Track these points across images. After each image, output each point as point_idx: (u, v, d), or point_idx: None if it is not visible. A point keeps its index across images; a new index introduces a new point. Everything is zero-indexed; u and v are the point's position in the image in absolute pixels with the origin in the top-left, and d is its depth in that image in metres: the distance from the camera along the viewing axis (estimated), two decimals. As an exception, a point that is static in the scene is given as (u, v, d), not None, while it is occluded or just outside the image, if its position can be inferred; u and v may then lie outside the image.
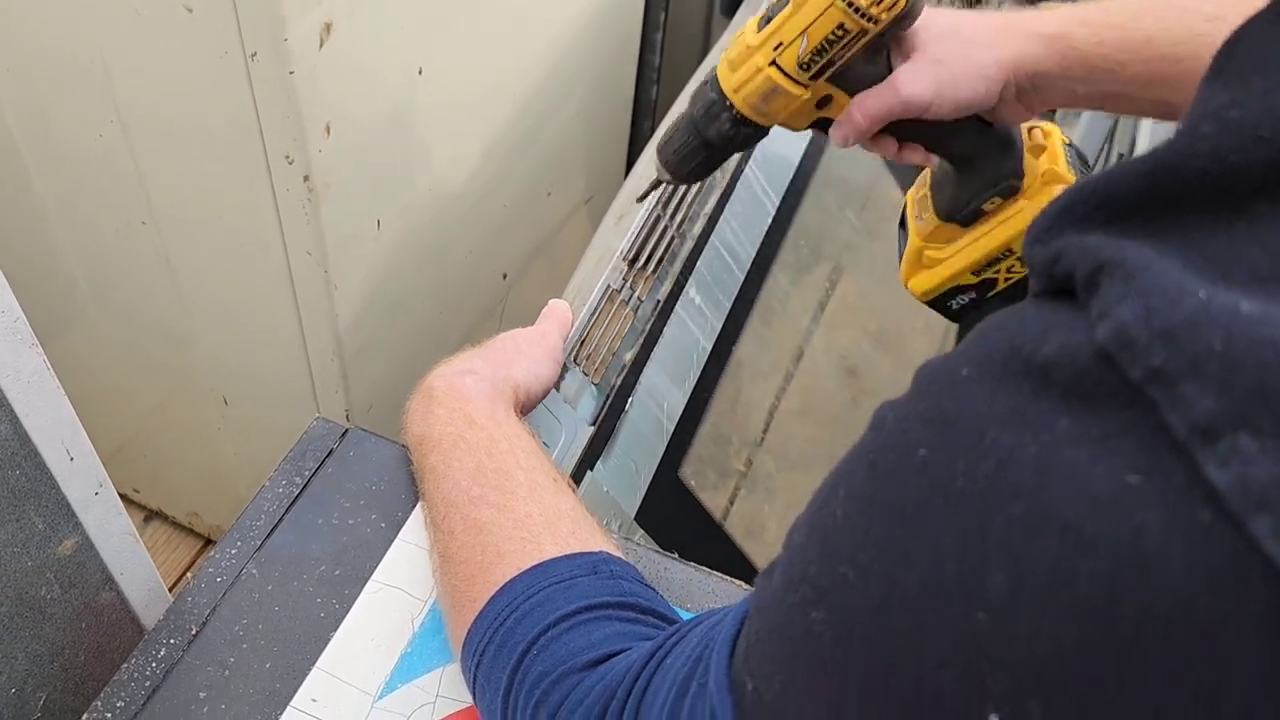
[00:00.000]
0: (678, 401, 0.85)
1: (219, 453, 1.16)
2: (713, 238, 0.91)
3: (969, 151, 0.61)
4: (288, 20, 0.70)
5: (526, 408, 0.68)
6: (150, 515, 1.34)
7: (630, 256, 0.81)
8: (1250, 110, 0.23)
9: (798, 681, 0.30)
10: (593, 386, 0.78)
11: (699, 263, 0.90)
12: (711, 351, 0.89)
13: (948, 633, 0.24)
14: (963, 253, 0.63)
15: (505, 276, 1.26)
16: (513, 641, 0.47)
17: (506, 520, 0.53)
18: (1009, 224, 0.61)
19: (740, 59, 0.58)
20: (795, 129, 0.60)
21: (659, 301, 0.85)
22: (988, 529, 0.23)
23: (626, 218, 0.83)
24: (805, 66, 0.56)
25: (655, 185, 0.67)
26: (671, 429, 0.83)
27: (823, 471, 0.33)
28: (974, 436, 0.25)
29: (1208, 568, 0.20)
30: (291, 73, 0.72)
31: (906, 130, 0.59)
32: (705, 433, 0.87)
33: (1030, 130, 0.64)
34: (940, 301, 0.66)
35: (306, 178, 0.79)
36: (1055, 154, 0.61)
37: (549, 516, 0.53)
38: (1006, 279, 0.62)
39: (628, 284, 0.82)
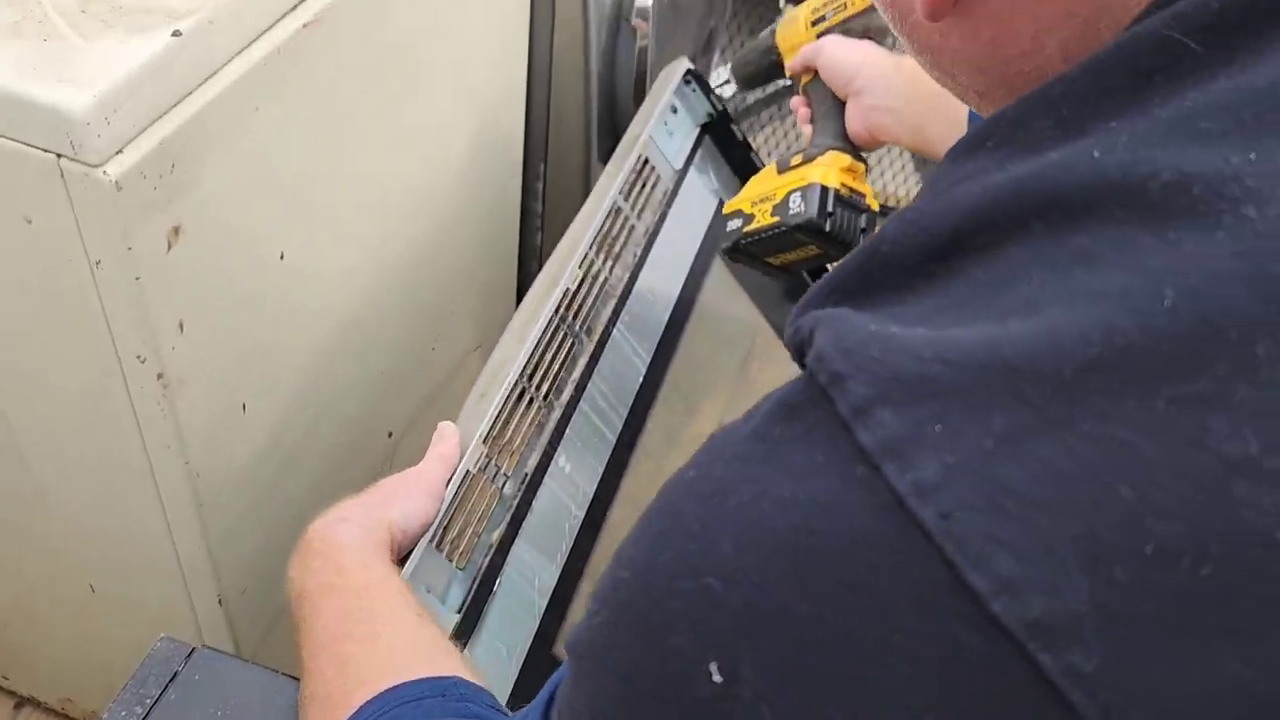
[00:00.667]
0: (550, 576, 0.84)
1: (90, 637, 1.11)
2: (582, 404, 0.92)
3: (827, 121, 0.90)
4: (130, 230, 0.70)
5: (404, 547, 0.71)
6: (21, 702, 1.28)
7: (490, 436, 0.82)
8: (920, 211, 0.32)
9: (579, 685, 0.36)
10: (458, 572, 0.77)
11: (568, 429, 0.90)
12: (584, 519, 0.89)
13: (686, 598, 0.31)
14: (759, 185, 0.89)
15: (390, 435, 1.25)
16: None
17: (370, 652, 0.57)
18: (789, 178, 0.85)
19: (790, 21, 0.95)
20: (785, 66, 0.97)
21: (526, 475, 0.85)
22: (719, 509, 0.31)
23: (487, 397, 0.83)
24: (814, 22, 0.91)
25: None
26: (544, 605, 0.83)
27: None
28: (718, 452, 0.33)
29: (866, 507, 0.28)
30: (138, 279, 0.72)
31: (815, 89, 0.91)
32: (579, 603, 0.86)
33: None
34: (725, 220, 0.92)
35: (160, 375, 0.78)
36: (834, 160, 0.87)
37: (411, 646, 0.58)
38: (759, 221, 0.87)
39: (491, 461, 0.82)
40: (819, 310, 0.33)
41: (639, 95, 1.38)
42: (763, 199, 0.89)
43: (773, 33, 0.98)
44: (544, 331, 0.88)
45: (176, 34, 0.69)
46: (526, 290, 1.54)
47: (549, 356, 0.89)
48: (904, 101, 0.84)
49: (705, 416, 1.11)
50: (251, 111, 0.77)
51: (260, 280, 0.87)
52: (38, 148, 0.66)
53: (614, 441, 0.95)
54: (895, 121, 0.84)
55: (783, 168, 0.90)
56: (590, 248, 0.95)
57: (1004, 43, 0.36)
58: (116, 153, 0.67)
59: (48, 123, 0.65)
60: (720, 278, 1.17)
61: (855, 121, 0.87)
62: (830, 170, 0.85)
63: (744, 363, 1.19)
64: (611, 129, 1.42)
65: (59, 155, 0.66)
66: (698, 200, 1.15)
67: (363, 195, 0.99)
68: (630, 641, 0.33)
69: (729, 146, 1.18)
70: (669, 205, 1.10)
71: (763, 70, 1.00)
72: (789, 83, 1.00)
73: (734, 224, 0.92)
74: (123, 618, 1.07)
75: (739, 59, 1.04)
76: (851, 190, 0.86)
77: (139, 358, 0.77)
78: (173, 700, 0.62)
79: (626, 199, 1.03)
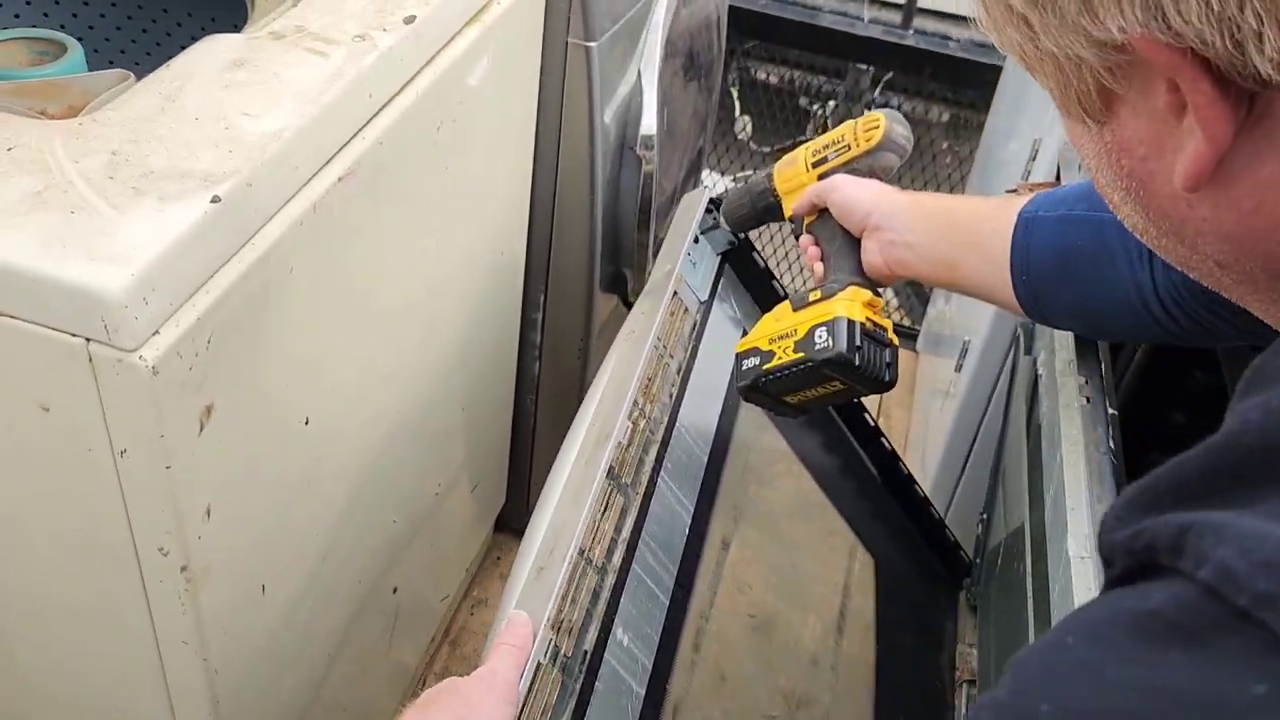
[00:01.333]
0: (618, 766, 0.76)
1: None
2: (634, 566, 0.86)
3: (840, 260, 0.88)
4: (163, 416, 0.62)
5: None
6: None
7: (556, 620, 0.74)
8: None
9: None
10: (527, 774, 0.69)
11: (623, 597, 0.83)
12: (645, 696, 0.82)
13: None
14: (777, 323, 0.86)
15: (395, 590, 1.17)
16: None
17: None
18: (810, 313, 0.84)
19: (788, 163, 0.94)
20: (784, 207, 0.95)
21: (586, 653, 0.78)
22: None
23: (547, 572, 0.76)
24: (814, 164, 0.91)
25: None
26: (615, 800, 0.75)
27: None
28: (1094, 676, 0.29)
29: None
30: (168, 467, 0.64)
31: (823, 228, 0.89)
32: (650, 795, 0.78)
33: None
34: (740, 359, 0.88)
35: (184, 567, 0.70)
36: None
37: None
38: (780, 358, 0.84)
39: (552, 643, 0.74)
40: (1167, 515, 0.30)
41: (643, 223, 1.35)
42: (782, 335, 0.87)
43: (769, 176, 0.97)
44: (597, 494, 0.82)
45: (216, 200, 0.63)
46: (523, 421, 1.48)
47: (600, 517, 0.83)
48: (931, 238, 0.83)
49: (753, 557, 1.05)
50: (287, 274, 0.71)
51: (286, 449, 0.79)
52: (64, 331, 0.59)
53: (667, 604, 0.88)
54: (918, 257, 0.83)
55: (799, 304, 0.88)
56: (638, 394, 0.90)
57: (1268, 213, 0.35)
58: (153, 334, 0.60)
59: (77, 305, 0.58)
60: (752, 414, 1.12)
61: (874, 255, 0.86)
62: (854, 304, 0.84)
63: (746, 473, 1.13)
64: (614, 257, 1.39)
65: (88, 340, 0.59)
66: (724, 332, 1.11)
67: (381, 342, 0.93)
68: None
69: (749, 275, 1.14)
70: (698, 340, 1.05)
71: (757, 213, 0.98)
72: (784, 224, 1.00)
73: (750, 362, 0.88)
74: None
75: (731, 202, 1.02)
76: (875, 324, 0.84)
77: (161, 550, 0.69)
78: None
79: (660, 339, 0.98)
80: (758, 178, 0.99)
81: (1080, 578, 0.67)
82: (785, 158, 0.98)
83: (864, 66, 2.38)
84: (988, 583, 1.23)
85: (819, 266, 0.91)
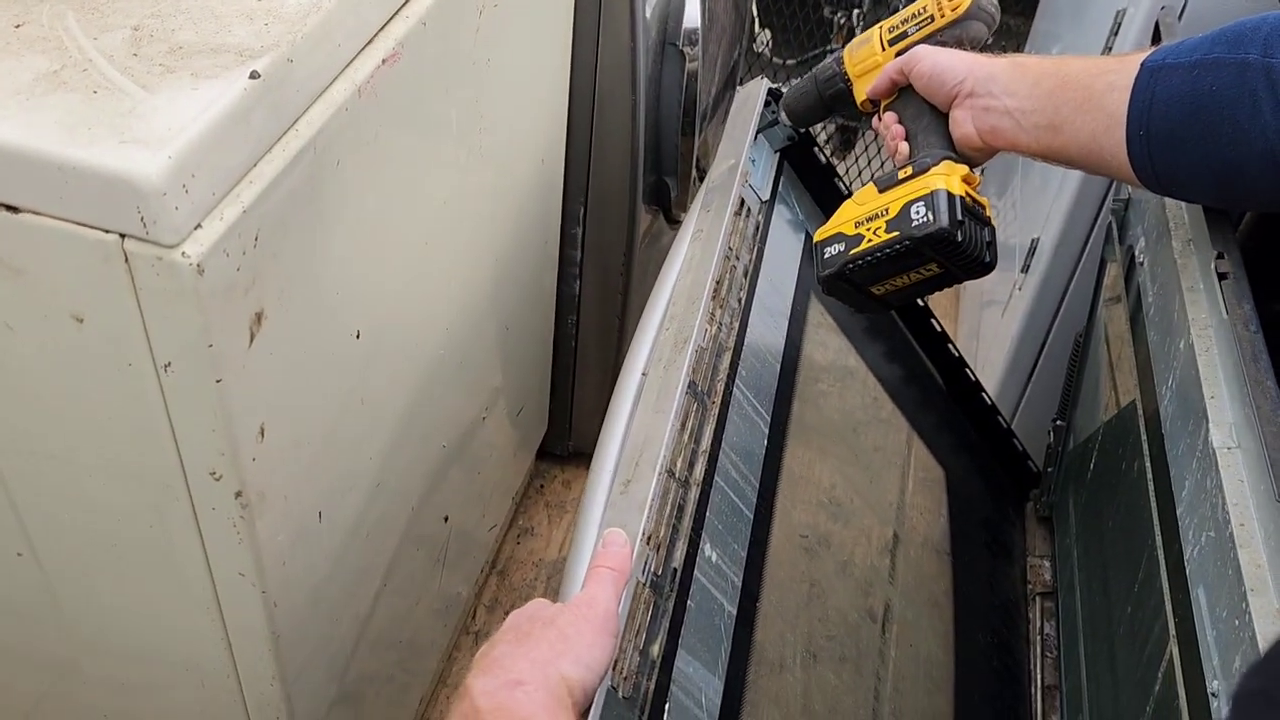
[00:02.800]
0: (714, 691, 0.71)
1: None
2: (716, 478, 0.80)
3: (929, 136, 0.80)
4: (211, 324, 0.56)
5: (584, 706, 0.57)
6: None
7: (647, 535, 0.68)
8: None
9: None
10: (623, 701, 0.63)
11: (708, 513, 0.77)
12: (738, 615, 0.76)
13: None
14: (861, 207, 0.79)
15: (446, 519, 1.11)
16: None
17: None
18: (902, 190, 0.76)
19: (861, 43, 0.86)
20: (856, 92, 0.87)
21: (676, 570, 0.72)
22: None
23: (634, 485, 0.70)
24: (892, 40, 0.83)
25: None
26: (715, 725, 0.69)
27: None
28: None
29: None
30: (219, 381, 0.58)
31: (906, 105, 0.82)
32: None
33: None
34: (820, 247, 0.81)
35: (239, 493, 0.64)
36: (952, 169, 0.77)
37: None
38: (870, 241, 0.77)
39: (647, 562, 0.68)
40: None
41: (687, 127, 1.27)
42: (871, 217, 0.79)
43: (838, 60, 0.89)
44: (680, 402, 0.75)
45: (254, 75, 0.56)
46: (564, 345, 1.42)
47: (681, 428, 0.77)
48: (1034, 99, 0.74)
49: (827, 469, 0.99)
50: (334, 166, 0.64)
51: (339, 364, 0.73)
52: (95, 228, 0.52)
53: (751, 519, 0.83)
54: (1017, 124, 0.74)
55: (885, 185, 0.80)
56: (710, 299, 0.83)
57: None
58: (195, 228, 0.53)
59: (109, 195, 0.51)
60: (817, 318, 1.05)
61: (966, 125, 0.77)
62: (953, 178, 0.76)
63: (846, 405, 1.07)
64: (656, 165, 1.31)
65: (123, 236, 0.52)
66: (787, 234, 1.04)
67: (427, 250, 0.86)
68: None
69: (811, 172, 1.06)
70: (763, 242, 0.98)
71: (825, 102, 0.90)
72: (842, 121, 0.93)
73: (834, 249, 0.81)
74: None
75: (794, 94, 0.94)
76: (974, 200, 0.77)
77: (214, 474, 0.63)
78: None
79: (728, 240, 0.91)
80: (825, 63, 0.91)
81: (1229, 469, 0.61)
82: (856, 39, 0.90)
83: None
84: (1064, 490, 1.18)
85: (903, 146, 0.83)
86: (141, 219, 0.51)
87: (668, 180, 1.32)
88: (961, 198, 0.75)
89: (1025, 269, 1.29)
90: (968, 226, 0.75)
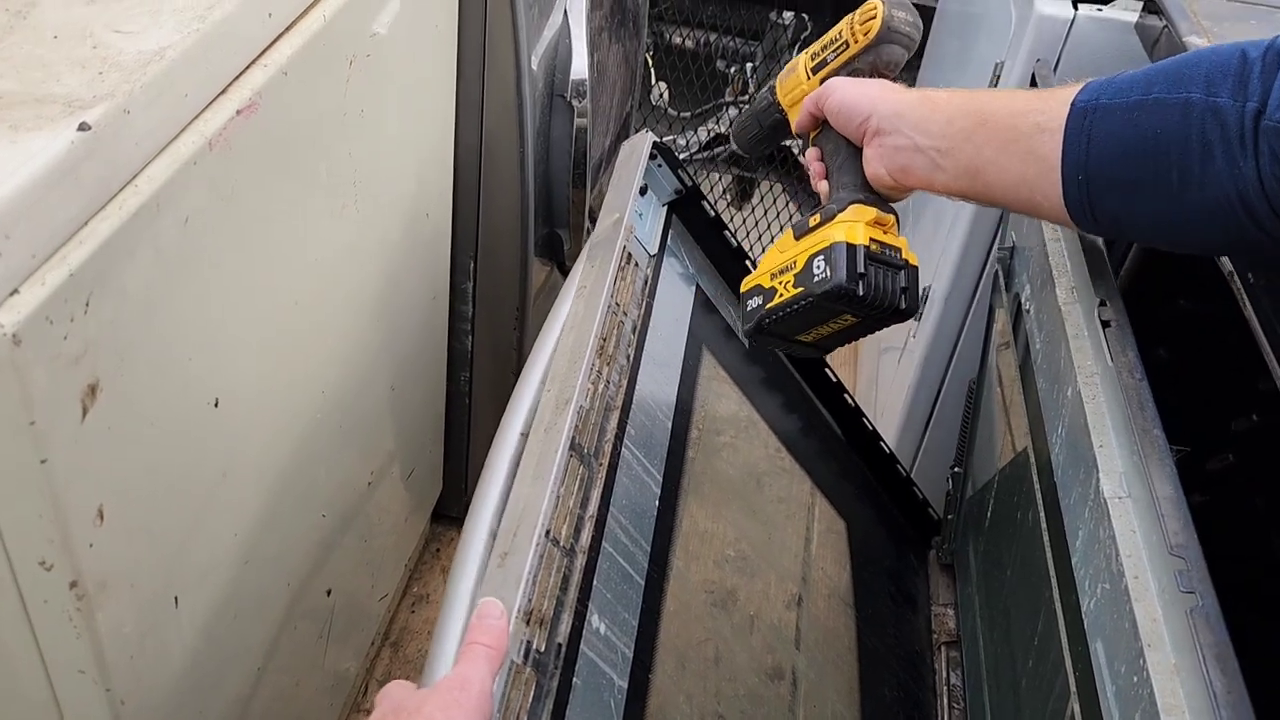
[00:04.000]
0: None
1: None
2: (604, 544, 0.76)
3: (843, 175, 0.78)
4: (32, 398, 0.50)
5: None
6: None
7: (526, 612, 0.64)
8: None
9: None
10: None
11: (595, 580, 0.74)
12: (629, 690, 0.73)
13: None
14: (780, 255, 0.78)
15: (329, 593, 1.05)
16: None
17: None
18: (809, 241, 0.75)
19: (789, 71, 0.85)
20: (790, 122, 0.85)
21: (560, 646, 0.68)
22: None
23: (511, 557, 0.66)
24: (814, 69, 0.82)
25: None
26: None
27: None
28: None
29: None
30: (44, 461, 0.52)
31: (826, 140, 0.80)
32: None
33: None
34: (743, 299, 0.80)
35: (74, 583, 0.58)
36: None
37: None
38: (780, 295, 0.76)
39: (524, 640, 0.64)
40: None
41: (578, 179, 1.25)
42: (782, 270, 0.77)
43: (772, 89, 0.87)
44: (561, 466, 0.71)
45: (84, 127, 0.51)
46: (456, 402, 1.37)
47: (565, 493, 0.73)
48: (948, 140, 0.71)
49: (728, 524, 0.96)
50: (181, 224, 0.59)
51: (193, 436, 0.67)
52: (-107, 295, 0.47)
53: (643, 585, 0.79)
54: (932, 164, 0.71)
55: (800, 232, 0.78)
56: (595, 356, 0.80)
57: None
58: (11, 294, 0.48)
59: (-91, 259, 0.46)
60: (710, 371, 1.03)
61: (876, 165, 0.75)
62: (855, 226, 0.74)
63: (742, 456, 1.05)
64: (548, 218, 1.28)
65: (-74, 303, 0.47)
66: (678, 287, 1.02)
67: (297, 312, 0.81)
68: None
69: (700, 225, 1.05)
70: (651, 296, 0.95)
71: (766, 131, 0.88)
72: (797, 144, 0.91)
73: (754, 302, 0.79)
74: None
75: (739, 124, 0.92)
76: (883, 245, 0.75)
77: (43, 564, 0.57)
78: None
79: (612, 295, 0.88)
80: (762, 94, 0.89)
81: (1121, 519, 0.60)
82: (787, 66, 0.88)
83: (784, 20, 2.30)
84: (964, 538, 1.17)
85: (824, 185, 0.81)
86: (-56, 285, 0.46)
87: (560, 232, 1.30)
88: (867, 246, 0.73)
89: (918, 318, 1.29)
90: (871, 277, 0.72)
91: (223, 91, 0.63)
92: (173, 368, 0.63)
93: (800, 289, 0.75)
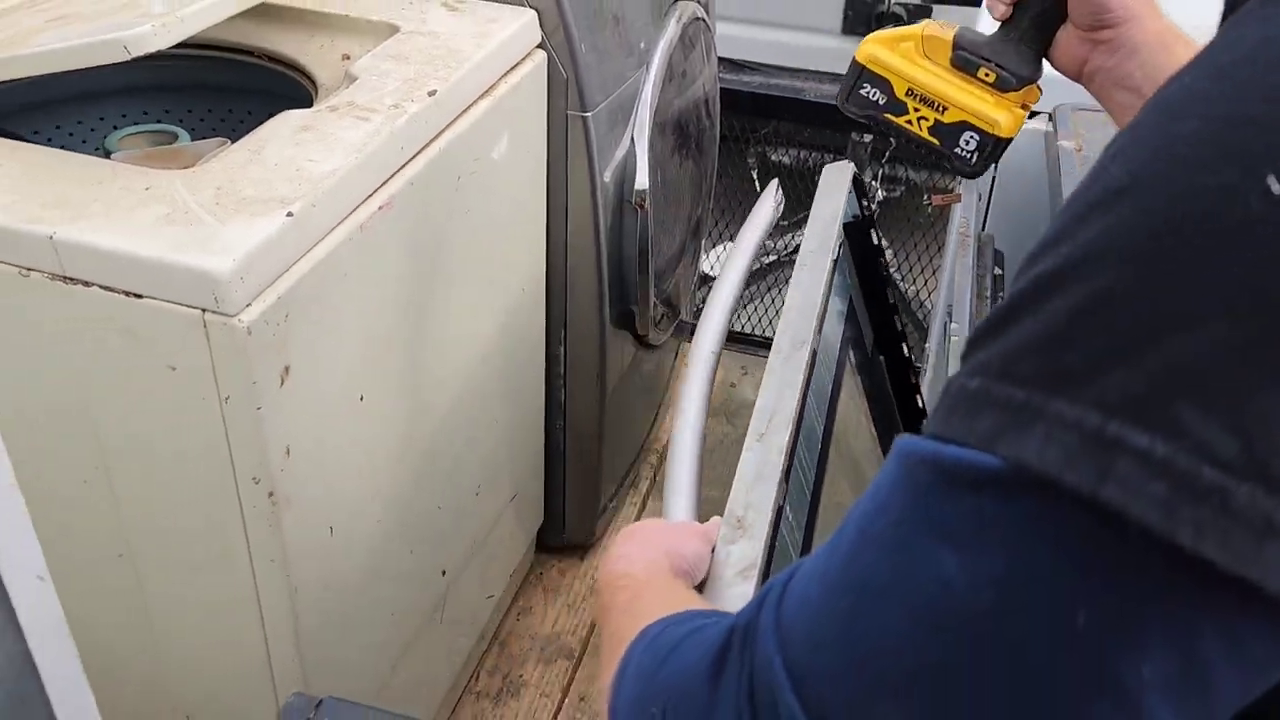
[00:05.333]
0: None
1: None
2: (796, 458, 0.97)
3: (1032, 32, 0.71)
4: (254, 369, 0.87)
5: (682, 571, 0.66)
6: None
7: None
8: None
9: None
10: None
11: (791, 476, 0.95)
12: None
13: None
14: (923, 72, 0.72)
15: (444, 573, 1.38)
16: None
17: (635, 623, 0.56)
18: (970, 95, 0.71)
19: None
20: None
21: (781, 509, 0.86)
22: None
23: (769, 437, 0.89)
24: None
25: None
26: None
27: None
28: None
29: None
30: (259, 409, 0.89)
31: None
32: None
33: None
34: (861, 76, 0.76)
35: (271, 493, 0.94)
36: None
37: (666, 605, 0.56)
38: (909, 122, 0.73)
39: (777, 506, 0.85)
40: None
41: (644, 267, 1.59)
42: (925, 100, 0.74)
43: None
44: (804, 382, 0.91)
45: (290, 215, 0.89)
46: (554, 441, 1.69)
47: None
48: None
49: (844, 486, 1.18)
50: (341, 276, 0.97)
51: (345, 416, 1.03)
52: (186, 305, 0.85)
53: (808, 500, 0.99)
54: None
55: (961, 64, 0.73)
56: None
57: None
58: (247, 305, 0.86)
59: (197, 284, 0.84)
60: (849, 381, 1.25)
61: (1079, 63, 0.70)
62: (1019, 118, 0.72)
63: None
64: (622, 297, 1.63)
65: (204, 310, 0.85)
66: (839, 292, 1.20)
67: (423, 355, 1.17)
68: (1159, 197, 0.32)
69: (863, 250, 1.21)
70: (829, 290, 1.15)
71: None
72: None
73: (874, 94, 0.77)
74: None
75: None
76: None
77: (254, 479, 0.93)
78: (308, 738, 0.74)
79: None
80: None
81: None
82: None
83: (865, 140, 2.62)
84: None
85: (1002, 9, 0.74)
86: (215, 298, 0.84)
87: (633, 308, 1.64)
88: (1007, 142, 0.72)
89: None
90: (994, 163, 0.73)
91: (370, 195, 1.01)
92: (334, 367, 0.99)
93: (935, 139, 0.75)
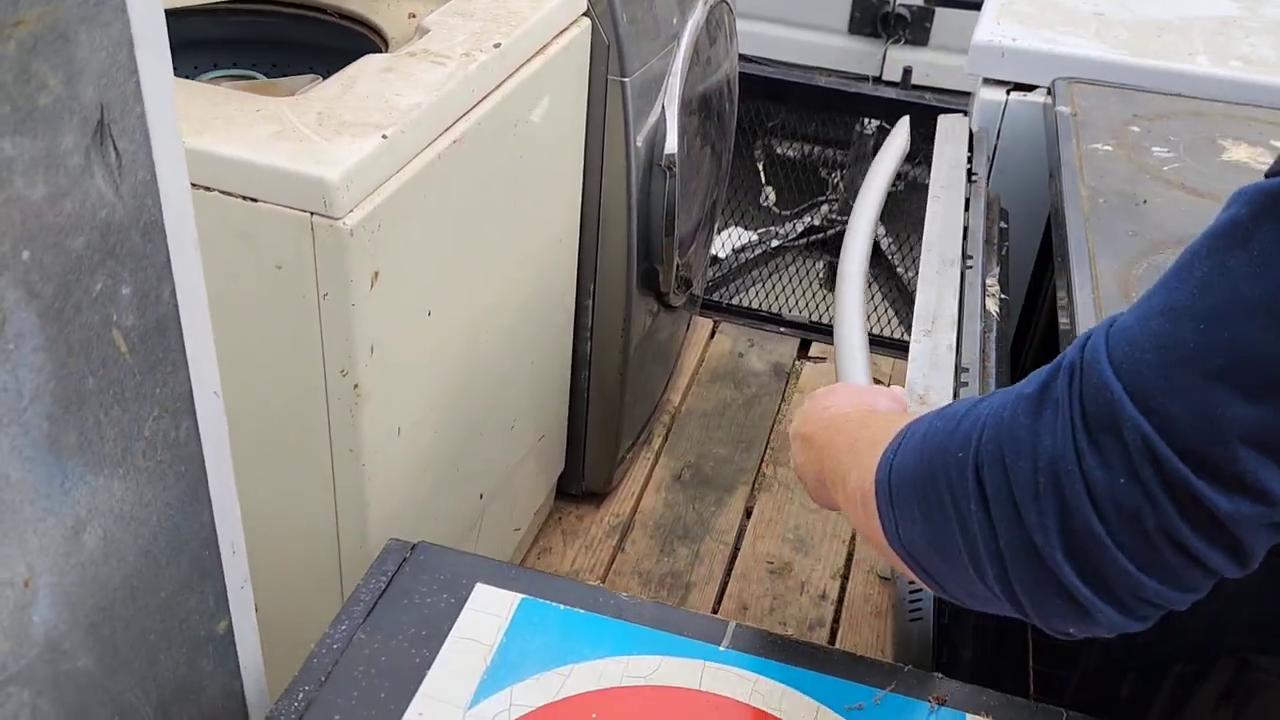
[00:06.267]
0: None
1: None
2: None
3: None
4: (351, 268, 0.99)
5: None
6: None
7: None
8: None
9: None
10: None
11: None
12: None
13: None
14: None
15: (482, 496, 1.50)
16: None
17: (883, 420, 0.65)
18: None
19: None
20: None
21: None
22: None
23: (935, 332, 1.04)
24: None
25: None
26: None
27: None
28: None
29: None
30: (353, 305, 1.01)
31: None
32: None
33: None
34: None
35: (356, 386, 1.06)
36: None
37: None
38: None
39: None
40: None
41: (669, 228, 1.72)
42: None
43: None
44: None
45: (384, 137, 1.02)
46: (579, 393, 1.81)
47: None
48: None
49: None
50: (422, 197, 1.09)
51: (418, 327, 1.16)
52: (297, 209, 0.97)
53: None
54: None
55: None
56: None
57: None
58: (350, 211, 0.98)
59: (309, 190, 0.96)
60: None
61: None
62: None
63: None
64: (647, 255, 1.75)
65: (312, 213, 0.97)
66: None
67: (476, 286, 1.29)
68: None
69: None
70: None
71: None
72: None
73: None
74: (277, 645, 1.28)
75: None
76: None
77: (342, 371, 1.05)
78: (408, 571, 0.86)
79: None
80: None
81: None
82: None
83: (868, 129, 2.75)
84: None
85: None
86: (325, 202, 0.96)
87: (656, 267, 1.76)
88: None
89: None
90: None
91: (446, 129, 1.13)
92: (412, 280, 1.11)
93: None
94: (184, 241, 0.63)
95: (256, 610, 1.33)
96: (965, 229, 1.17)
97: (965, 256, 1.12)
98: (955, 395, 0.96)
